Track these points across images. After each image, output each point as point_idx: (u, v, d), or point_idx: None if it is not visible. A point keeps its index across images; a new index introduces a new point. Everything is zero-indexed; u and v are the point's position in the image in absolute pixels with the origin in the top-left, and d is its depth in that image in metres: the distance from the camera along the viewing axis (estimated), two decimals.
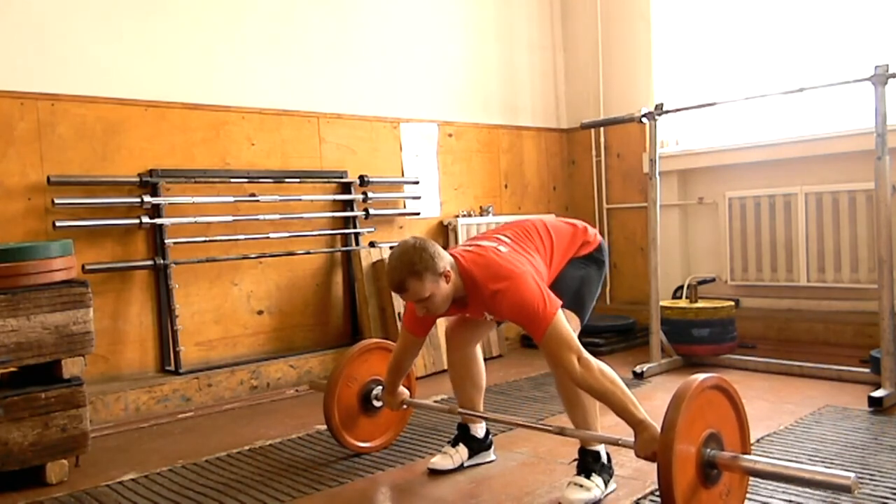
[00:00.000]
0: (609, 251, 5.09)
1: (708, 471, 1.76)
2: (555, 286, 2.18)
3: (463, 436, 2.48)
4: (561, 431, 2.14)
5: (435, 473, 2.42)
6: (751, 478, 2.23)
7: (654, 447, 1.80)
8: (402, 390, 2.55)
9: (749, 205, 4.33)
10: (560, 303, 2.04)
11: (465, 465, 2.45)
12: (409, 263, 2.05)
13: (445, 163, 4.61)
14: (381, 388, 2.62)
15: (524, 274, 2.05)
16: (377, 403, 2.64)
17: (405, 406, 2.57)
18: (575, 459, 2.20)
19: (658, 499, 2.12)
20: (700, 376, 1.80)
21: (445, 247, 4.51)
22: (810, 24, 4.18)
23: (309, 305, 3.98)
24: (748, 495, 2.10)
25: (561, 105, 5.32)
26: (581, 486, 2.11)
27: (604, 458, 2.18)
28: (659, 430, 1.75)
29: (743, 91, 3.99)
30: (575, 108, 5.26)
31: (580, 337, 2.08)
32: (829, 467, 2.28)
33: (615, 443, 1.99)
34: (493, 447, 2.53)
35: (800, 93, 3.29)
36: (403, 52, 4.41)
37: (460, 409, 2.44)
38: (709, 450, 1.77)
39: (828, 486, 1.71)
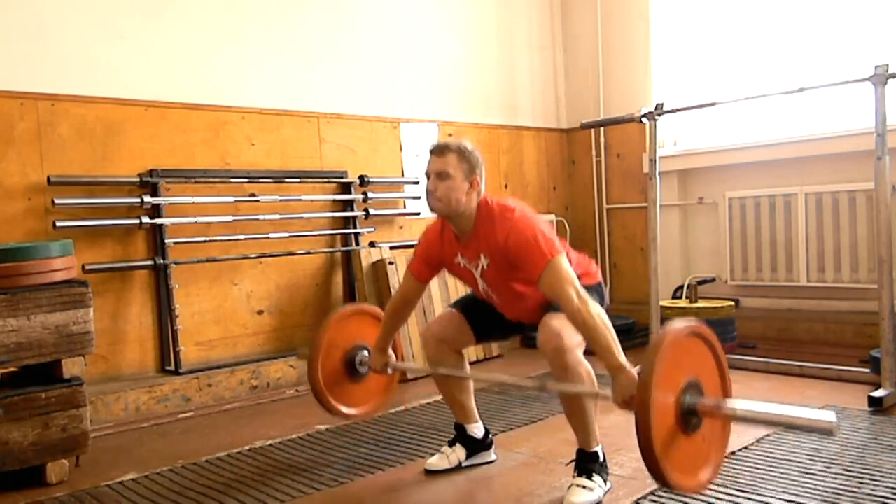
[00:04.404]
0: (609, 251, 5.11)
1: (688, 418, 1.74)
2: None
3: (460, 436, 2.48)
4: (542, 387, 2.19)
5: (432, 474, 2.42)
6: (749, 473, 2.24)
7: (631, 391, 1.79)
8: (389, 353, 2.54)
9: (749, 205, 4.33)
10: (563, 251, 2.09)
11: (464, 464, 2.45)
12: (463, 147, 2.25)
13: None
14: (365, 353, 2.59)
15: (536, 220, 2.15)
16: (362, 369, 2.61)
17: (391, 370, 2.56)
18: (572, 461, 2.20)
19: (658, 498, 2.12)
20: (679, 324, 1.78)
21: None
22: (810, 24, 4.18)
23: (309, 305, 3.98)
24: (748, 494, 2.10)
25: (561, 105, 5.33)
26: (584, 487, 2.11)
27: (601, 458, 2.19)
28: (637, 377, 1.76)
29: (743, 91, 3.99)
30: (575, 108, 5.27)
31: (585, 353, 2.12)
32: (828, 467, 2.29)
33: (595, 395, 2.03)
34: (493, 447, 2.52)
35: (800, 93, 3.29)
36: (404, 51, 4.41)
37: (441, 370, 2.40)
38: (688, 396, 1.74)
39: (809, 429, 1.69)
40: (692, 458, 1.77)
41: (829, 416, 1.59)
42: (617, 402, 1.89)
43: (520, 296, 2.26)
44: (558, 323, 2.08)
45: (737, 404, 1.78)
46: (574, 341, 2.07)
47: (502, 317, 2.38)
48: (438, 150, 2.26)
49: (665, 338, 1.73)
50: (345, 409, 2.62)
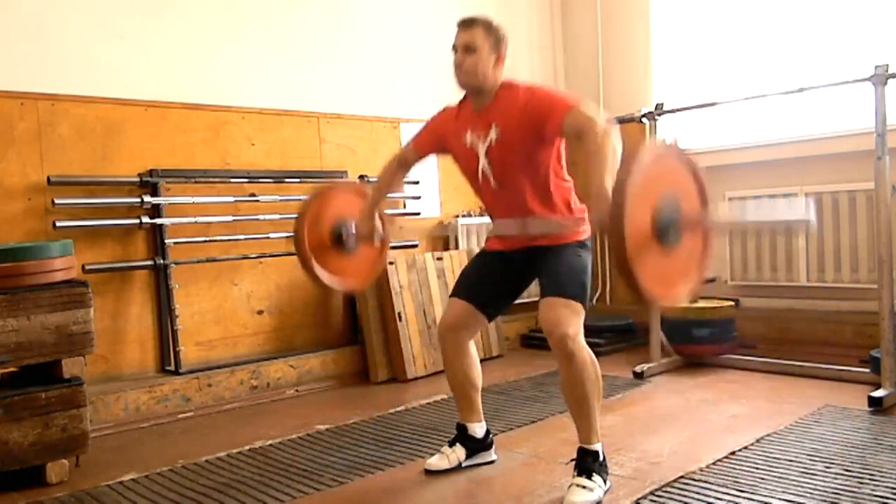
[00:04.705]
0: (609, 251, 5.10)
1: (665, 231, 1.73)
2: (563, 273, 2.19)
3: (461, 436, 2.48)
4: (524, 227, 2.26)
5: (432, 473, 2.42)
6: (749, 473, 2.24)
7: (607, 206, 1.76)
8: (377, 224, 2.55)
9: (749, 205, 4.33)
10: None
11: (464, 464, 2.45)
12: (490, 21, 2.29)
13: (445, 162, 4.58)
14: (352, 225, 2.56)
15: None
16: (350, 243, 2.57)
17: (378, 240, 2.56)
18: (572, 460, 2.20)
19: (658, 498, 2.12)
20: (654, 144, 1.77)
21: (446, 247, 4.51)
22: (810, 24, 4.18)
23: (309, 305, 3.98)
24: (748, 494, 2.10)
25: None
26: (584, 487, 2.11)
27: (601, 457, 2.19)
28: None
29: (743, 91, 3.98)
30: None
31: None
32: (828, 467, 2.29)
33: (572, 223, 2.15)
34: (493, 447, 2.52)
35: (800, 93, 3.29)
36: (403, 51, 4.41)
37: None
38: (665, 209, 1.73)
39: (787, 226, 1.68)
40: (670, 272, 1.76)
41: (803, 211, 1.57)
42: (593, 222, 1.89)
43: (518, 187, 2.25)
44: (562, 311, 2.12)
45: (716, 216, 1.76)
46: (577, 329, 2.12)
47: (501, 285, 2.39)
48: (465, 23, 2.28)
49: (640, 154, 1.70)
50: (329, 279, 2.56)
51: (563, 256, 2.25)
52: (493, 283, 2.41)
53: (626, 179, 1.66)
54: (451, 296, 2.48)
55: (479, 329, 2.52)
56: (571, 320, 2.12)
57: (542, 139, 2.19)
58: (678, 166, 1.83)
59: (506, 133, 2.22)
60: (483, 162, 2.28)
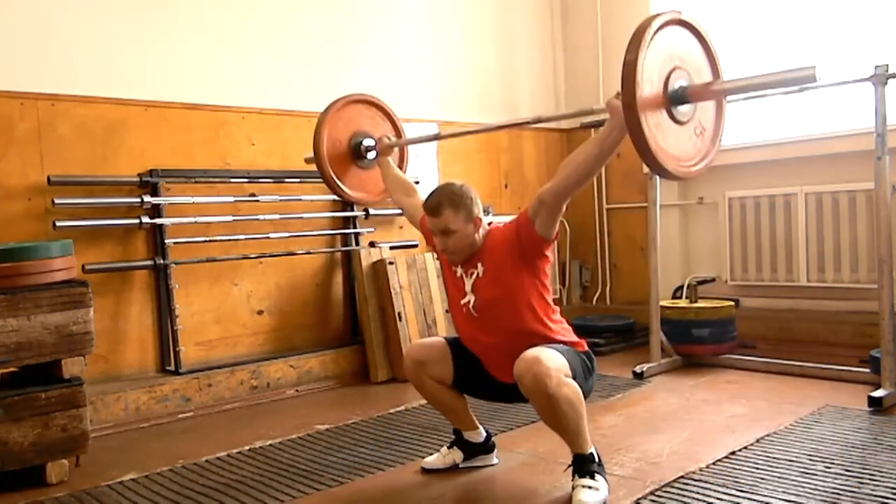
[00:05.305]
0: (609, 251, 5.11)
1: (676, 104, 1.73)
2: (552, 347, 2.15)
3: (458, 440, 2.46)
4: (538, 119, 2.61)
5: (431, 473, 2.41)
6: (749, 474, 2.24)
7: (617, 104, 1.79)
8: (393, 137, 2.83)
9: (749, 205, 4.33)
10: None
11: (462, 466, 2.44)
12: (452, 194, 2.26)
13: (445, 163, 4.60)
14: (369, 139, 2.77)
15: None
16: (370, 155, 2.77)
17: (395, 146, 2.78)
18: (569, 466, 2.17)
19: (658, 498, 2.12)
20: (656, 15, 1.76)
21: None
22: (810, 24, 4.18)
23: (309, 305, 3.98)
24: (748, 494, 2.10)
25: (561, 105, 5.32)
26: (590, 487, 2.09)
27: (597, 458, 2.17)
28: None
29: None
30: (575, 108, 5.26)
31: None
32: (828, 467, 2.29)
33: (589, 112, 2.29)
34: (495, 451, 2.49)
35: (800, 93, 3.29)
36: (403, 51, 4.41)
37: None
38: (675, 82, 1.72)
39: (793, 82, 1.69)
40: (688, 148, 1.76)
41: (809, 66, 1.58)
42: (608, 104, 1.92)
43: (498, 323, 2.25)
44: (535, 350, 2.05)
45: (724, 81, 1.77)
46: (554, 365, 2.02)
47: (485, 376, 2.34)
48: (432, 211, 2.28)
49: (646, 29, 1.68)
50: (353, 193, 2.76)
51: (554, 344, 2.19)
52: (481, 368, 2.34)
53: (633, 63, 1.64)
54: (442, 336, 2.48)
55: (439, 377, 2.37)
56: (545, 356, 2.01)
57: (526, 254, 2.22)
58: (683, 34, 1.79)
59: (491, 267, 2.26)
60: (469, 296, 2.29)
